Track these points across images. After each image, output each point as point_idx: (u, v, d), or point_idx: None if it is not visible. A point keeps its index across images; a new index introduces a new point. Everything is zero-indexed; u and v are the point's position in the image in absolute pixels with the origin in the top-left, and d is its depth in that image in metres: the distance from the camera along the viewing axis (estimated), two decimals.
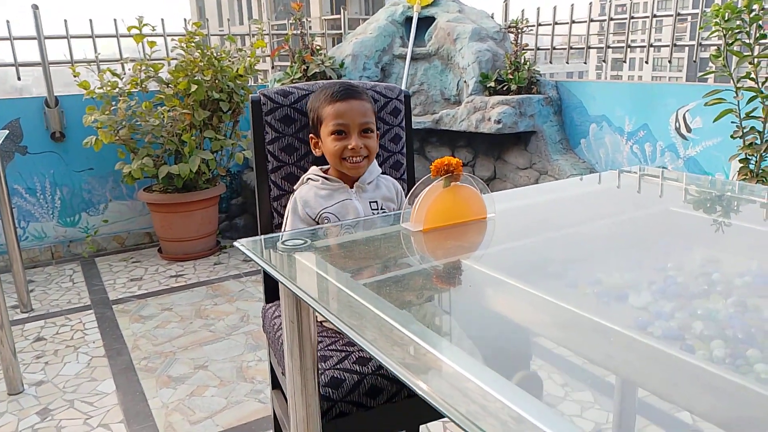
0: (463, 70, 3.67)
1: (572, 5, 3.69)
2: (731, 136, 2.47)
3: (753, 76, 2.35)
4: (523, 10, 3.89)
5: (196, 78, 3.21)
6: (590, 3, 3.95)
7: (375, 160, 1.49)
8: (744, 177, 2.41)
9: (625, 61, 3.42)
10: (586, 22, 3.60)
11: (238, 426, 1.90)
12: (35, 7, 3.34)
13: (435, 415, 1.25)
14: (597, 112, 3.40)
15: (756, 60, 2.33)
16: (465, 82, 3.66)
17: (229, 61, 3.43)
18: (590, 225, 1.21)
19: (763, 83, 2.34)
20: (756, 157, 2.38)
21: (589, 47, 3.64)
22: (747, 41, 2.35)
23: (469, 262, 1.00)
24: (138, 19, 3.40)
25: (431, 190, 1.06)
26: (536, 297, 0.86)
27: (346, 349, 1.26)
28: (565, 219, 1.25)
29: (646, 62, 3.37)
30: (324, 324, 1.38)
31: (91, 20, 3.57)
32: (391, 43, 3.90)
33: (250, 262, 3.37)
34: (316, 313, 1.07)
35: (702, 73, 2.57)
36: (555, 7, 3.75)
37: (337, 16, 4.55)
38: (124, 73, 3.48)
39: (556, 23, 3.78)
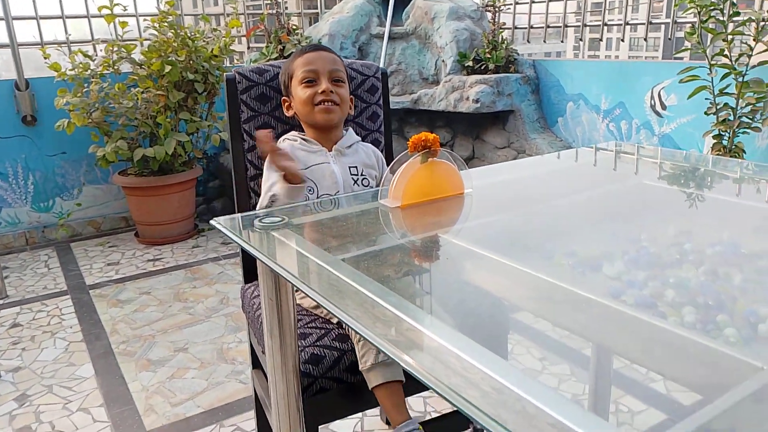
0: (441, 49, 3.65)
1: None
2: (705, 113, 2.50)
3: (726, 53, 2.38)
4: None
5: (170, 59, 3.16)
6: None
7: (352, 129, 1.48)
8: (717, 153, 2.45)
9: (601, 40, 3.43)
10: (563, 0, 3.60)
11: (219, 407, 1.90)
12: None
13: (414, 389, 1.26)
14: (574, 90, 3.41)
15: (729, 37, 2.35)
16: (443, 61, 3.65)
17: (204, 41, 3.37)
18: (566, 199, 1.22)
19: (736, 60, 2.37)
20: (729, 133, 2.42)
21: (566, 26, 3.65)
22: (721, 18, 2.38)
23: (447, 237, 1.01)
24: None
25: (409, 167, 1.06)
26: (513, 269, 0.87)
27: (325, 327, 1.26)
28: (541, 194, 1.26)
29: (622, 40, 3.39)
30: (302, 304, 1.38)
31: (60, 0, 3.48)
32: (369, 22, 3.87)
33: (228, 245, 3.35)
34: (295, 294, 1.07)
35: (677, 51, 2.60)
36: None
37: None
38: (96, 55, 3.41)
39: (533, 1, 3.78)
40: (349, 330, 1.23)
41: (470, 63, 3.52)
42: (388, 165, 1.53)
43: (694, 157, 1.85)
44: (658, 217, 1.12)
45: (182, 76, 3.22)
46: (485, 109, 3.36)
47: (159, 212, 3.37)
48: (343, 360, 1.19)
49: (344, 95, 1.39)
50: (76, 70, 3.20)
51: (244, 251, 1.53)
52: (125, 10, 3.44)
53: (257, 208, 1.32)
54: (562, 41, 3.74)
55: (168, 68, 3.12)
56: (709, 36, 2.43)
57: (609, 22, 3.47)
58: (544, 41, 3.89)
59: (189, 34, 3.30)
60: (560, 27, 3.67)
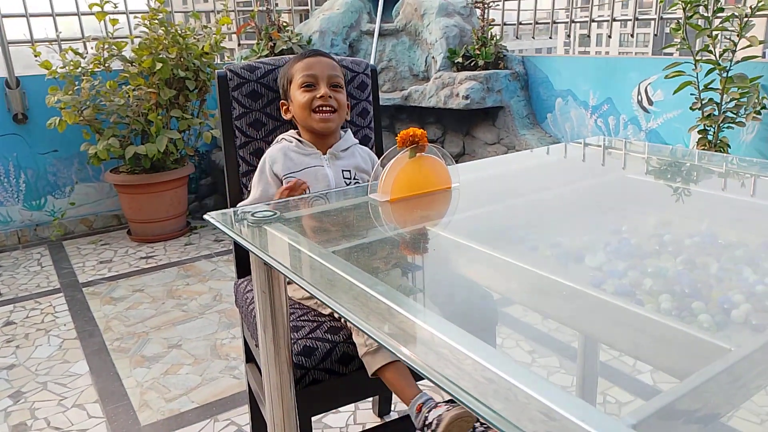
0: (430, 45, 3.68)
1: None
2: (690, 108, 2.54)
3: (711, 49, 2.41)
4: None
5: (160, 56, 3.17)
6: None
7: (350, 131, 1.51)
8: (703, 147, 2.49)
9: (589, 36, 3.47)
10: None
11: (213, 401, 1.92)
12: None
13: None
14: (562, 86, 3.45)
15: (713, 33, 2.39)
16: (433, 57, 3.67)
17: (195, 38, 3.38)
18: (551, 192, 1.25)
19: (721, 55, 2.40)
20: (714, 128, 2.46)
21: (555, 22, 3.68)
22: (705, 14, 2.41)
23: (435, 230, 1.04)
24: None
25: (397, 161, 1.09)
26: (499, 260, 0.90)
27: (317, 320, 1.29)
28: (527, 187, 1.29)
29: (609, 36, 3.42)
30: (294, 297, 1.41)
31: None
32: (359, 19, 3.89)
33: (221, 242, 3.37)
34: (287, 287, 1.10)
35: (663, 47, 2.63)
36: None
37: None
38: (87, 52, 3.41)
39: None
40: (343, 318, 1.26)
41: (460, 59, 3.54)
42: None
43: (680, 152, 1.88)
44: (640, 209, 1.15)
45: (173, 73, 3.23)
46: (475, 106, 3.39)
47: (151, 210, 3.38)
48: (335, 351, 1.21)
49: (342, 101, 1.42)
50: (66, 67, 3.21)
51: (236, 247, 1.56)
52: (116, 7, 3.44)
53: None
54: (550, 37, 3.78)
55: (159, 65, 3.13)
56: (694, 32, 2.46)
57: (597, 18, 3.51)
58: (533, 37, 3.93)
59: (180, 32, 3.31)
60: (549, 23, 3.70)
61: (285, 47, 3.59)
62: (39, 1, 3.48)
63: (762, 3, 2.31)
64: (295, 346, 1.20)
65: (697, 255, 0.90)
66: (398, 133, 1.09)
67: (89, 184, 3.67)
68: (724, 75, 2.39)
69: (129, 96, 3.19)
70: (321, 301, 0.73)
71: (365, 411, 1.86)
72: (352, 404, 1.87)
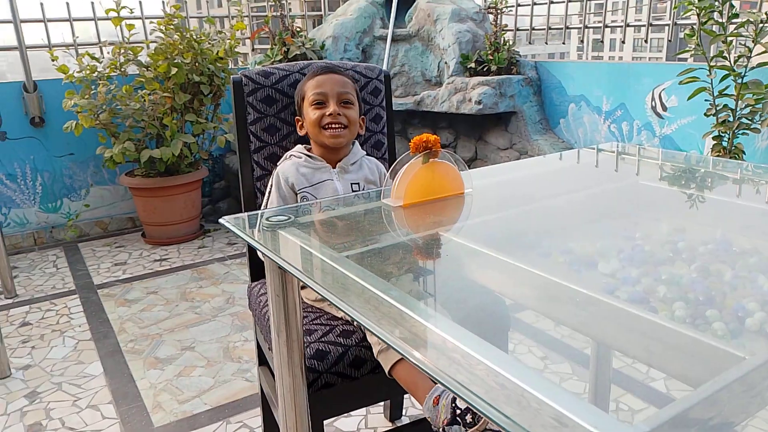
0: (443, 51, 3.69)
1: None
2: (705, 114, 2.53)
3: (725, 54, 2.40)
4: None
5: (176, 61, 3.20)
6: None
7: (358, 143, 1.52)
8: (717, 153, 2.48)
9: (602, 41, 3.46)
10: (564, 2, 3.63)
11: (226, 404, 1.93)
12: None
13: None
14: (575, 92, 3.44)
15: (728, 38, 2.38)
16: (446, 63, 3.68)
17: (209, 43, 3.42)
18: (564, 198, 1.25)
19: (735, 61, 2.39)
20: (728, 134, 2.44)
21: (568, 27, 3.68)
22: (720, 20, 2.40)
23: (448, 235, 1.04)
24: (116, 2, 3.36)
25: (410, 167, 1.10)
26: (511, 266, 0.90)
27: (330, 323, 1.30)
28: (540, 193, 1.29)
29: (623, 41, 3.41)
30: (307, 301, 1.42)
31: (68, 3, 3.53)
32: (372, 24, 3.90)
33: (234, 245, 3.39)
34: (301, 291, 1.11)
35: (677, 52, 2.62)
36: None
37: None
38: (103, 57, 3.45)
39: (535, 3, 3.81)
40: (357, 323, 1.27)
41: (472, 65, 3.55)
42: (390, 166, 1.57)
43: (694, 158, 1.87)
44: (653, 216, 1.15)
45: (188, 78, 3.26)
46: (488, 111, 3.39)
47: (165, 213, 3.41)
48: (348, 355, 1.22)
49: (352, 117, 1.43)
50: (83, 72, 3.25)
51: (250, 250, 1.57)
52: (132, 12, 3.48)
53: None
54: (563, 43, 3.77)
55: (174, 70, 3.16)
56: (709, 38, 2.45)
57: (611, 24, 3.50)
58: (546, 43, 3.92)
59: (195, 37, 3.34)
60: (562, 29, 3.70)
61: (298, 52, 3.61)
62: (56, 7, 3.53)
63: None
64: (308, 349, 1.21)
65: (711, 262, 0.89)
66: (411, 139, 1.10)
67: (104, 187, 3.71)
68: (739, 81, 2.37)
69: (144, 100, 3.22)
70: (334, 304, 0.73)
71: (377, 415, 1.86)
72: (364, 408, 1.87)
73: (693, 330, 0.68)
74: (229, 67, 3.51)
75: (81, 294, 2.83)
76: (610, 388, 1.56)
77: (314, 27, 4.20)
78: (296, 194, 1.41)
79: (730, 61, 2.40)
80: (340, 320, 1.32)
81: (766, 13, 2.29)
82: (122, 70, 3.35)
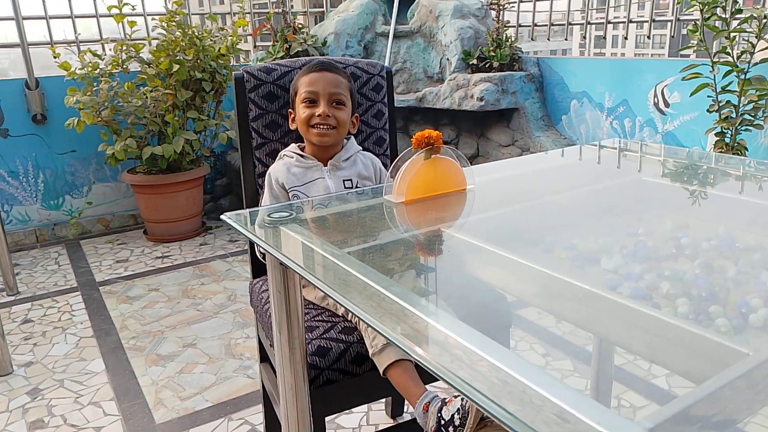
0: (445, 47, 3.68)
1: None
2: (707, 110, 2.52)
3: (729, 50, 2.39)
4: None
5: (177, 58, 3.19)
6: None
7: (353, 138, 1.51)
8: (720, 150, 2.47)
9: (604, 37, 3.45)
10: None
11: (227, 401, 1.94)
12: None
13: None
14: (578, 88, 3.43)
15: (731, 34, 2.36)
16: (447, 59, 3.67)
17: (211, 40, 3.41)
18: (566, 194, 1.25)
19: (738, 57, 2.38)
20: (731, 130, 2.43)
21: (570, 24, 3.67)
22: (723, 16, 2.39)
23: (450, 231, 1.04)
24: None
25: (412, 163, 1.09)
26: (514, 262, 0.90)
27: (331, 320, 1.29)
28: (542, 189, 1.29)
29: (626, 38, 3.40)
30: (307, 297, 1.41)
31: (70, 0, 3.53)
32: (374, 20, 3.89)
33: (236, 242, 3.39)
34: (302, 288, 1.11)
35: (680, 48, 2.61)
36: None
37: None
38: (105, 54, 3.45)
39: None
40: (355, 318, 1.26)
41: (474, 61, 3.54)
42: (392, 162, 1.56)
43: (697, 155, 1.87)
44: (656, 212, 1.14)
45: (190, 74, 3.26)
46: (490, 107, 3.39)
47: (167, 210, 3.41)
48: (349, 352, 1.22)
49: (342, 118, 1.41)
50: (85, 69, 3.25)
51: (252, 247, 1.57)
52: (134, 9, 3.48)
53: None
54: (566, 39, 3.75)
55: (176, 67, 3.16)
56: (712, 33, 2.44)
57: (613, 20, 3.49)
58: (548, 39, 3.91)
59: (196, 34, 3.34)
60: (564, 25, 3.69)
61: (300, 49, 3.60)
62: (58, 4, 3.52)
63: None
64: (310, 346, 1.21)
65: (714, 258, 0.89)
66: (413, 135, 1.09)
67: (106, 184, 3.71)
68: (742, 77, 2.36)
69: (146, 97, 3.22)
70: (335, 301, 0.73)
71: (378, 412, 1.86)
72: (365, 405, 1.87)
73: (696, 326, 0.68)
74: (231, 63, 3.51)
75: (83, 291, 2.84)
76: (612, 385, 1.56)
77: (316, 23, 4.19)
78: (288, 193, 1.41)
79: (733, 57, 2.38)
80: (342, 317, 1.31)
81: None
82: (124, 67, 3.35)
